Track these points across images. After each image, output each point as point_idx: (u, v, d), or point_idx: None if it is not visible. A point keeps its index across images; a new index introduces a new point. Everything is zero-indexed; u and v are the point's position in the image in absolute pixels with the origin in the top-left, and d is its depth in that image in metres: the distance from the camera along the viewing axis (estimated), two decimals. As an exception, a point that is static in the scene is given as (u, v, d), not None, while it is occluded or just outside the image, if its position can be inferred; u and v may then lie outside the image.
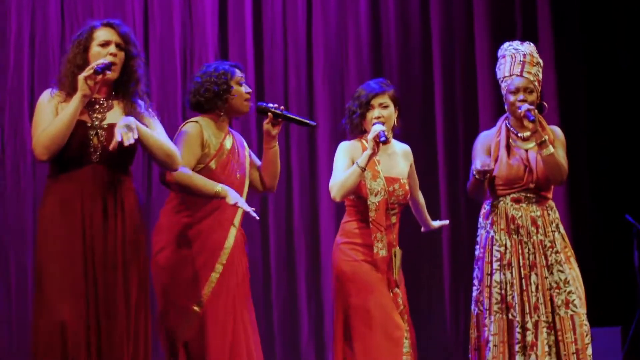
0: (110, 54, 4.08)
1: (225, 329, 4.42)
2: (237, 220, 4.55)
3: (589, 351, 4.83)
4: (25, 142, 6.69)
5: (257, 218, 4.37)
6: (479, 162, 4.84)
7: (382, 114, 4.87)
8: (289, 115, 4.61)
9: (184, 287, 4.44)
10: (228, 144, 4.61)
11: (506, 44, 5.12)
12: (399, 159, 4.99)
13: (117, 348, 3.98)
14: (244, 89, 4.64)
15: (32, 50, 6.84)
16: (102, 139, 4.05)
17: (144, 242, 4.17)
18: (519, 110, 4.87)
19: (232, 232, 4.52)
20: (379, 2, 7.55)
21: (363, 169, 4.74)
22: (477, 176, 4.84)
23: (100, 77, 3.98)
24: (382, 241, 4.79)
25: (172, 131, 6.85)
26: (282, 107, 4.59)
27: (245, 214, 4.49)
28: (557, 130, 5.06)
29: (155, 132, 4.16)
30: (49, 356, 3.90)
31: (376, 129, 4.73)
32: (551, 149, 4.86)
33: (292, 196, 7.27)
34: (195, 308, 4.42)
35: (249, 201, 4.57)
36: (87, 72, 3.98)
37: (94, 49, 4.11)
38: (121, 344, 3.99)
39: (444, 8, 7.58)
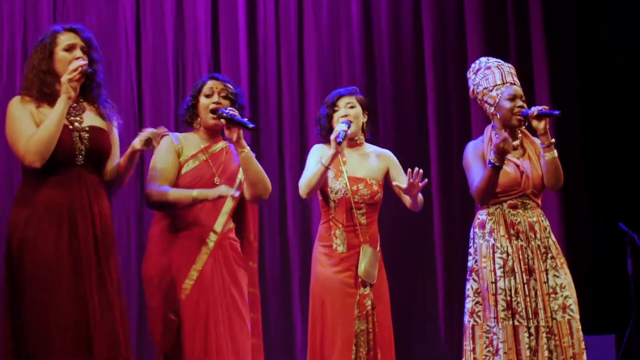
0: (76, 59, 4.07)
1: (197, 337, 4.39)
2: (219, 226, 4.53)
3: (585, 357, 4.84)
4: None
5: (236, 194, 4.42)
6: (495, 139, 4.81)
7: (349, 112, 5.01)
8: (232, 118, 4.44)
9: (162, 295, 4.44)
10: (215, 148, 4.62)
11: (484, 58, 5.17)
12: (370, 160, 5.09)
13: None
14: (209, 100, 4.61)
15: (25, 60, 6.82)
16: (85, 141, 4.07)
17: (115, 243, 4.19)
18: (529, 112, 4.90)
19: (212, 238, 4.50)
20: (371, 13, 7.57)
21: (326, 168, 4.85)
22: (501, 146, 4.74)
23: (79, 77, 4.00)
24: (340, 237, 4.94)
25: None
26: (229, 110, 4.48)
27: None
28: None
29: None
30: None
31: (337, 128, 4.87)
32: (555, 152, 4.90)
33: (285, 206, 7.28)
34: (172, 316, 4.41)
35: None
36: (70, 74, 4.00)
37: (59, 53, 4.12)
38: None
39: (436, 16, 7.59)
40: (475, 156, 5.02)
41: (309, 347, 4.98)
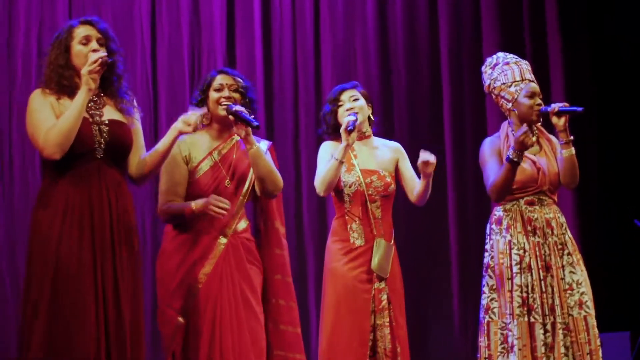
0: (93, 51, 4.06)
1: (202, 341, 4.39)
2: (231, 229, 4.52)
3: (600, 353, 4.87)
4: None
5: (224, 214, 4.37)
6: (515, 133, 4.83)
7: (354, 105, 5.03)
8: (239, 115, 4.45)
9: (171, 297, 4.45)
10: (225, 149, 4.61)
11: (501, 54, 5.19)
12: (380, 152, 5.11)
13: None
14: (220, 93, 4.58)
15: (40, 57, 6.82)
16: (105, 134, 4.06)
17: (138, 240, 4.18)
18: (549, 109, 4.92)
19: (221, 241, 4.49)
20: (386, 11, 7.57)
21: (340, 162, 4.87)
22: (521, 139, 4.75)
23: (99, 69, 3.99)
24: (357, 231, 4.96)
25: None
26: (237, 107, 4.48)
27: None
28: (556, 140, 5.09)
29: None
30: None
31: (345, 119, 4.88)
32: (573, 150, 4.92)
33: (301, 201, 7.28)
34: (180, 319, 4.42)
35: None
36: (90, 66, 3.98)
37: (76, 47, 4.11)
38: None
39: (452, 14, 7.60)
40: (492, 153, 5.03)
41: (323, 342, 4.97)
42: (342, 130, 4.84)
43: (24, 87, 6.77)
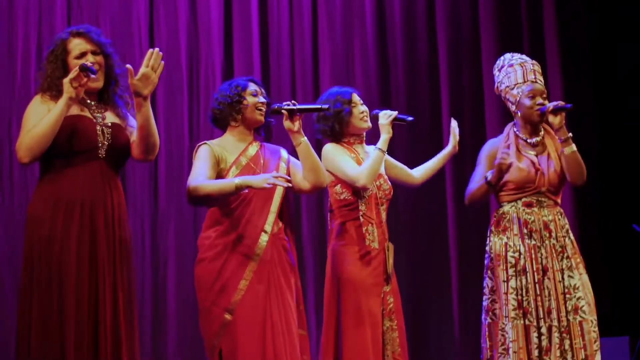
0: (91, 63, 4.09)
1: (253, 337, 4.47)
2: (269, 226, 4.58)
3: (598, 357, 4.87)
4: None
5: (288, 185, 4.45)
6: (500, 155, 4.90)
7: (366, 108, 5.07)
8: (302, 107, 4.62)
9: (217, 296, 4.52)
10: (251, 151, 4.70)
11: (508, 55, 5.23)
12: None
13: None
14: (256, 98, 4.73)
15: (39, 61, 6.82)
16: (107, 135, 4.12)
17: (131, 242, 4.23)
18: (544, 108, 4.95)
19: (263, 238, 4.56)
20: (385, 16, 7.59)
21: (384, 152, 4.93)
22: (498, 165, 4.88)
23: (85, 80, 4.00)
24: (372, 234, 4.93)
25: (178, 144, 6.97)
26: (293, 102, 4.63)
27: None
28: None
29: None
30: None
31: (390, 112, 4.97)
32: (574, 146, 4.93)
33: (300, 205, 7.29)
34: (227, 316, 4.48)
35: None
36: (73, 74, 4.00)
37: (72, 62, 4.14)
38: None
39: (450, 20, 7.62)
40: (486, 156, 5.12)
41: (343, 347, 4.90)
42: (386, 122, 4.94)
43: (22, 91, 6.76)
